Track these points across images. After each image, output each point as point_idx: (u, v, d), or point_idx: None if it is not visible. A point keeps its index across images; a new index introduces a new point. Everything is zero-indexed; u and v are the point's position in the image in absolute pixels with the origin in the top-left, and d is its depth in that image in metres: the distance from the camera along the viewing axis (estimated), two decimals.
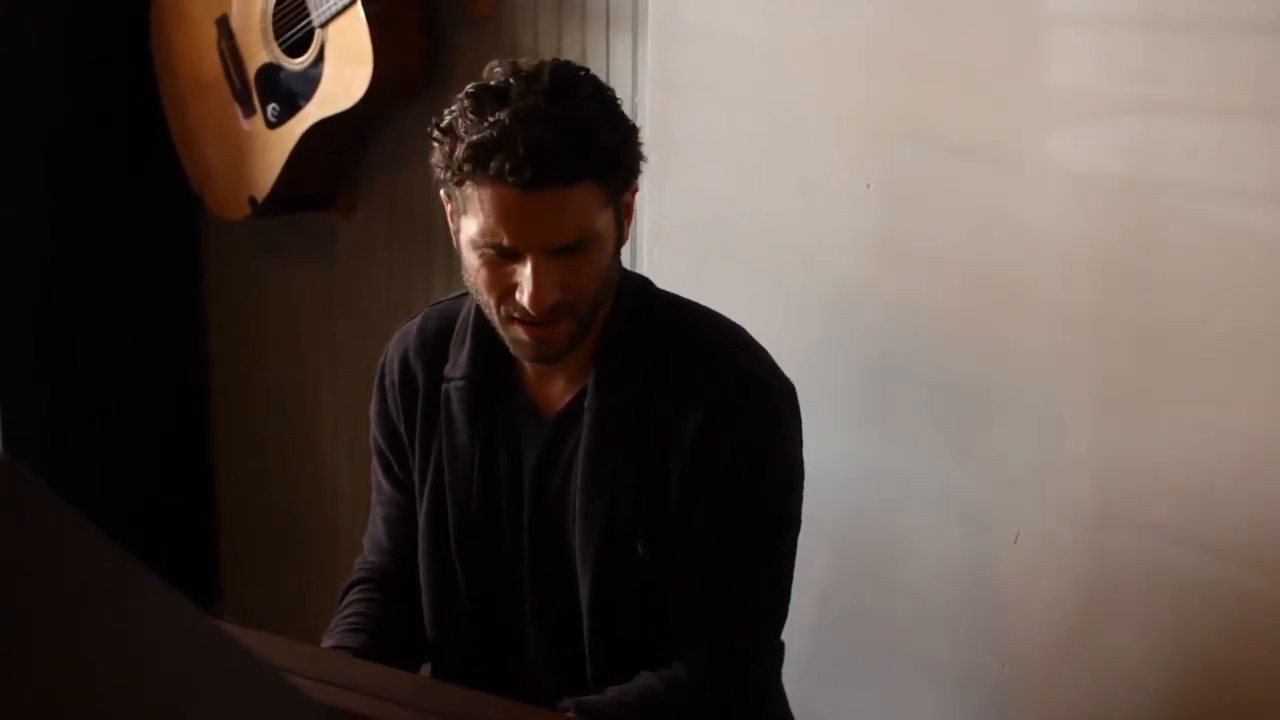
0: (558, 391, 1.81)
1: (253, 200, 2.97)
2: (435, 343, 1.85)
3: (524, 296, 1.64)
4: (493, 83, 1.63)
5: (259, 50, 2.88)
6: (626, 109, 2.52)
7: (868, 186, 2.19)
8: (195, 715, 0.77)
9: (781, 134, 2.29)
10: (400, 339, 1.91)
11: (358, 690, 1.47)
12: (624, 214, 1.72)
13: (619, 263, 1.74)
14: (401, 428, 1.89)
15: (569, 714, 1.64)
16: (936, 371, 2.17)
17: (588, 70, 1.70)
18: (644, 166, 1.74)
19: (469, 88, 1.65)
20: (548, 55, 2.64)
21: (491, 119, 1.58)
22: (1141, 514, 2.01)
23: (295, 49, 2.81)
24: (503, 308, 1.68)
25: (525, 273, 1.64)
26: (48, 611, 0.72)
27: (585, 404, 1.77)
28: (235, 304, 3.35)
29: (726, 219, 2.30)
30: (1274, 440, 1.89)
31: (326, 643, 1.84)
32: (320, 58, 2.75)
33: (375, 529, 1.98)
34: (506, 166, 1.57)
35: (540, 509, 1.81)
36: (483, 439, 1.83)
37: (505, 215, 1.60)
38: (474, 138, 1.59)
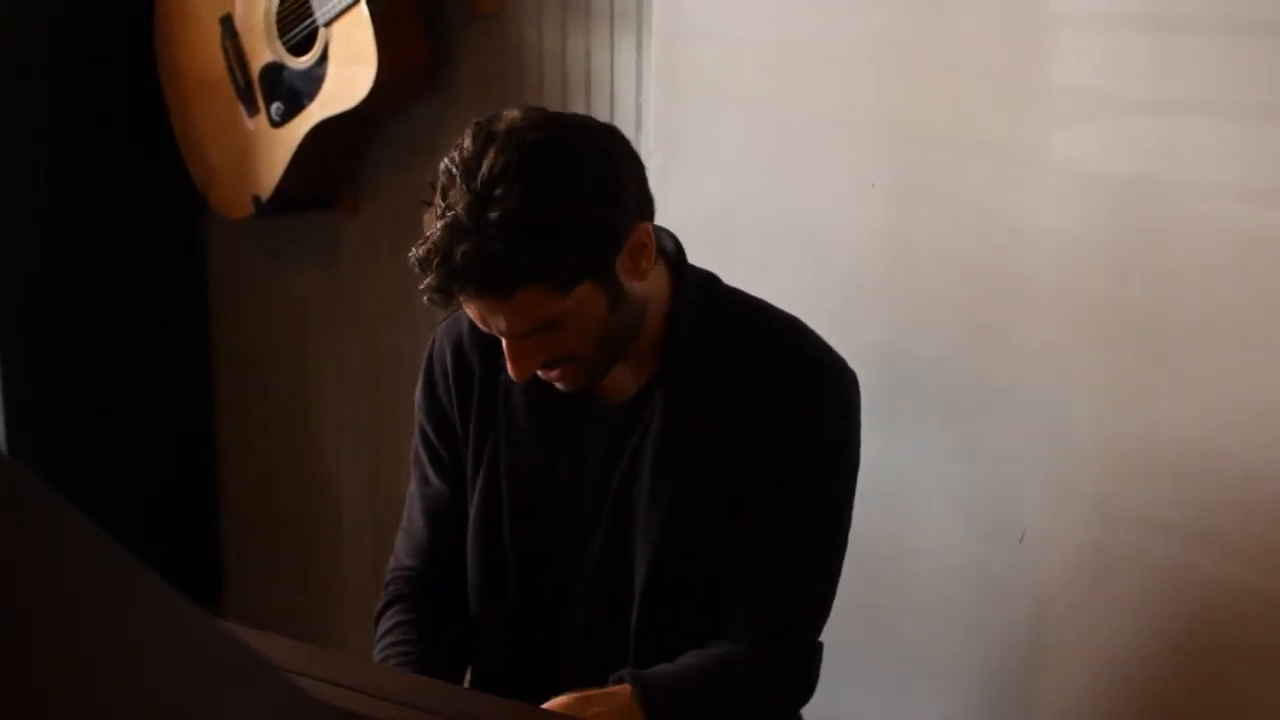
0: (624, 381, 1.82)
1: (257, 199, 2.97)
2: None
3: (509, 370, 1.70)
4: (443, 174, 1.63)
5: (263, 49, 2.88)
6: (629, 112, 2.54)
7: (873, 186, 2.19)
8: (198, 715, 0.77)
9: (787, 134, 2.29)
10: (450, 328, 1.90)
11: (361, 691, 1.47)
12: (623, 262, 1.69)
13: (629, 303, 1.71)
14: (455, 418, 1.88)
15: (624, 683, 1.65)
16: (943, 369, 2.17)
17: (566, 141, 1.65)
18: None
19: (441, 167, 1.65)
20: (551, 55, 2.66)
21: (431, 230, 1.61)
22: (1148, 512, 2.01)
23: (299, 48, 2.81)
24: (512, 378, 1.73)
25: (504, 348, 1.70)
26: (49, 612, 0.72)
27: (655, 393, 1.78)
28: (239, 303, 3.35)
29: (731, 219, 2.29)
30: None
31: None
32: (324, 57, 2.75)
33: (413, 527, 1.95)
34: (436, 284, 1.60)
35: (602, 497, 1.82)
36: (545, 428, 1.83)
37: (472, 311, 1.66)
38: (418, 251, 1.62)
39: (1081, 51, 2.00)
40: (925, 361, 2.19)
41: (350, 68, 2.70)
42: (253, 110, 2.93)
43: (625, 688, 1.65)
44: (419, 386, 1.91)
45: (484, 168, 1.59)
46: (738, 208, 2.33)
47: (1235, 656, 1.97)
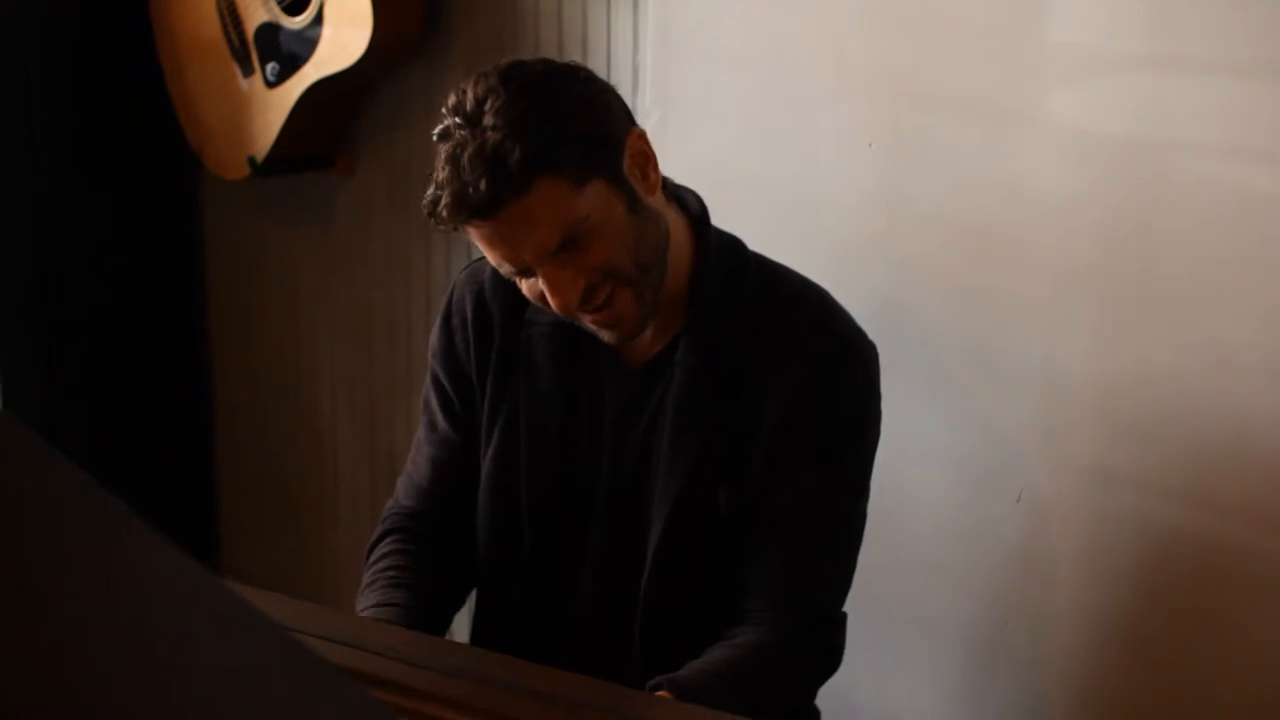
0: (645, 341, 1.82)
1: (252, 160, 2.96)
2: (513, 285, 1.80)
3: (554, 304, 1.69)
4: (439, 132, 1.67)
5: (258, 10, 2.87)
6: (626, 71, 2.53)
7: (869, 145, 2.19)
8: (197, 668, 0.77)
9: (783, 94, 2.28)
10: (471, 278, 1.90)
11: (359, 647, 1.47)
12: (631, 169, 1.71)
13: (650, 214, 1.73)
14: (472, 368, 1.88)
15: (662, 691, 1.62)
16: (939, 330, 2.17)
17: (536, 65, 1.70)
18: (636, 117, 1.75)
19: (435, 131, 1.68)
20: (547, 18, 2.65)
21: (435, 174, 1.65)
22: (1143, 473, 2.01)
23: (294, 8, 2.80)
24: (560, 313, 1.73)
25: (541, 284, 1.69)
26: (43, 564, 0.72)
27: (677, 355, 1.79)
28: (234, 263, 3.35)
29: (727, 178, 2.29)
30: (1275, 400, 1.89)
31: (367, 599, 1.82)
32: (319, 17, 2.74)
33: (416, 470, 1.95)
34: (447, 212, 1.63)
35: (620, 455, 1.83)
36: (568, 386, 1.84)
37: (489, 245, 1.67)
38: (426, 197, 1.66)
39: (1078, 9, 1.99)
40: (920, 321, 2.19)
41: (345, 28, 2.69)
42: (248, 71, 2.92)
43: (663, 694, 1.63)
44: (435, 333, 1.92)
45: (470, 99, 1.64)
46: (734, 167, 2.32)
47: (1231, 615, 1.98)
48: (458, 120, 1.64)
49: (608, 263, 1.69)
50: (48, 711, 0.65)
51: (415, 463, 1.96)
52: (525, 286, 1.73)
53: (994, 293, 2.12)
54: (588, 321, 1.74)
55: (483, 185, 1.60)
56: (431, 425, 1.94)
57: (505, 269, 1.70)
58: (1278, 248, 1.86)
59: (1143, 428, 2.00)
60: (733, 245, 1.85)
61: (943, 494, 2.21)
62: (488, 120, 1.61)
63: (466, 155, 1.61)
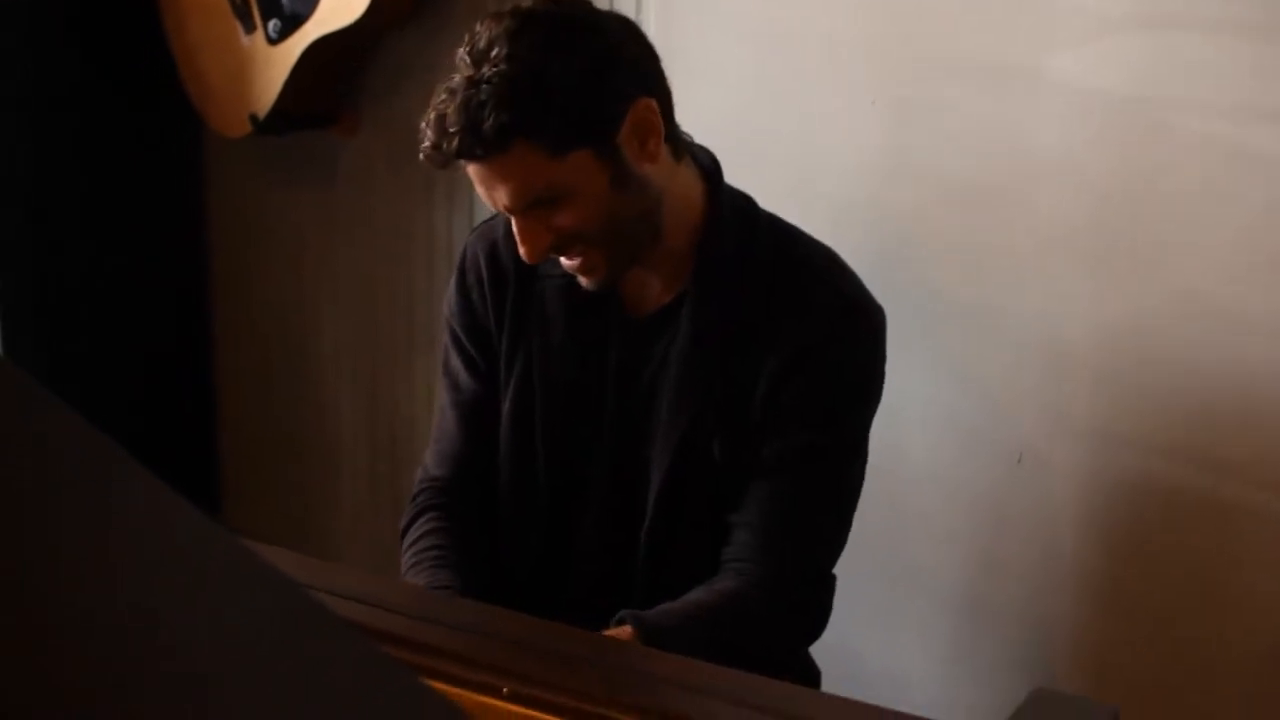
0: (653, 294, 1.84)
1: (254, 117, 2.95)
2: None
3: (520, 252, 1.75)
4: (456, 54, 1.69)
5: None
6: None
7: (872, 104, 2.19)
8: (207, 620, 0.77)
9: (785, 52, 2.28)
10: (483, 235, 1.92)
11: (366, 602, 1.48)
12: (628, 138, 1.71)
13: (638, 183, 1.74)
14: (490, 321, 1.90)
15: (626, 625, 1.65)
16: (937, 288, 2.18)
17: (559, 14, 1.71)
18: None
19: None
20: None
21: (431, 105, 1.69)
22: (1143, 433, 2.02)
23: None
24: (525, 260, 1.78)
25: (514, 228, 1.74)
26: (47, 513, 0.72)
27: (683, 308, 1.80)
28: (237, 222, 3.34)
29: (730, 137, 2.28)
30: (1274, 358, 1.89)
31: (415, 580, 1.82)
32: None
33: (444, 436, 1.96)
34: (423, 154, 1.69)
35: (623, 406, 1.85)
36: (579, 337, 1.86)
37: (476, 182, 1.72)
38: (421, 124, 1.69)
39: None
40: (920, 279, 2.19)
41: None
42: (249, 27, 2.91)
43: (626, 629, 1.65)
44: (450, 294, 1.93)
45: (483, 41, 1.66)
46: (736, 125, 2.32)
47: (1233, 573, 1.99)
48: (466, 58, 1.67)
49: (577, 227, 1.72)
50: (56, 664, 0.65)
51: (441, 428, 1.97)
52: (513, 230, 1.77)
53: (994, 252, 2.12)
54: (563, 264, 1.79)
55: (457, 140, 1.65)
56: (455, 386, 1.94)
57: (489, 205, 1.75)
58: (1271, 201, 1.86)
59: (1143, 387, 2.00)
60: (744, 203, 1.86)
61: (942, 455, 2.21)
62: (485, 71, 1.64)
63: (454, 105, 1.64)
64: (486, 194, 1.71)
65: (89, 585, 0.70)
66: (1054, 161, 2.03)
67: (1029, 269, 2.08)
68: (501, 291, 1.89)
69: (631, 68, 1.73)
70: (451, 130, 1.64)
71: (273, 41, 2.86)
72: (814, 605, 1.85)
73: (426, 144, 1.68)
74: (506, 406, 1.89)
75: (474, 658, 1.40)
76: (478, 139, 1.64)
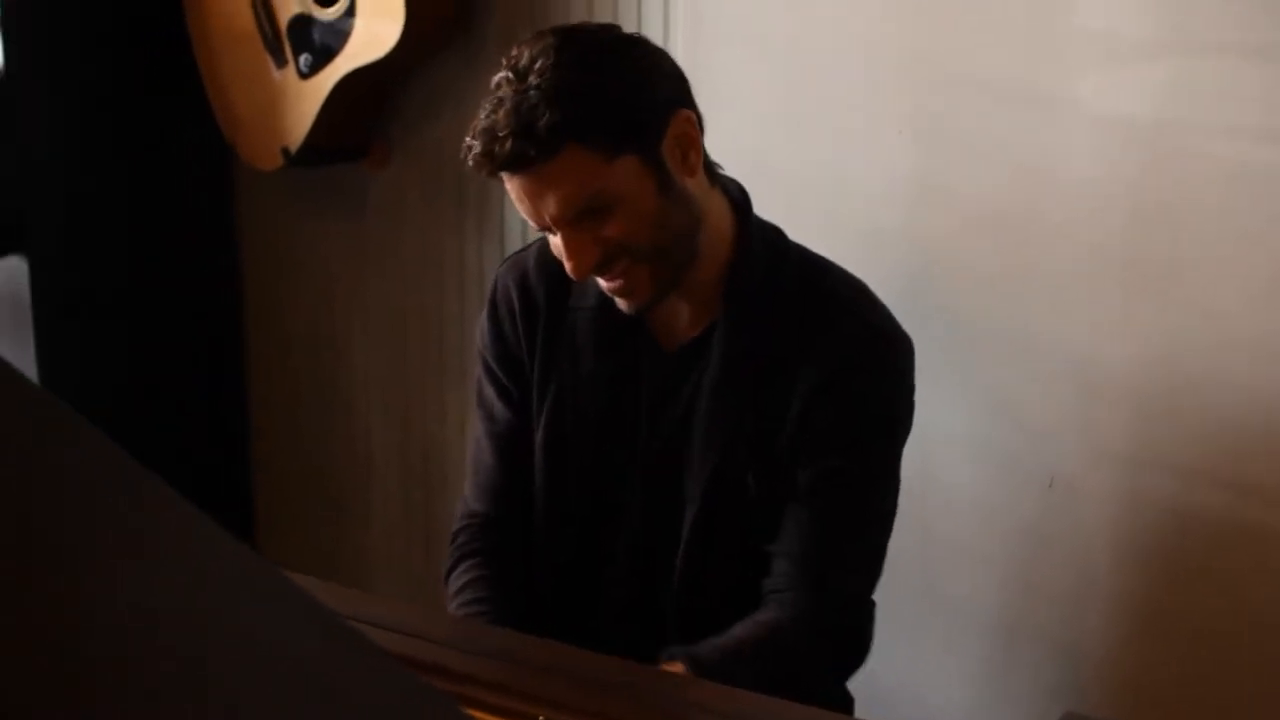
0: (682, 325, 1.85)
1: (285, 151, 2.97)
2: (557, 270, 1.82)
3: (567, 267, 1.73)
4: (495, 78, 1.70)
5: (290, 1, 2.88)
6: None
7: (899, 132, 2.19)
8: (240, 644, 0.77)
9: (812, 79, 2.29)
10: (514, 266, 1.93)
11: (402, 632, 1.49)
12: (670, 149, 1.73)
13: (682, 196, 1.75)
14: (523, 351, 1.90)
15: (677, 663, 1.65)
16: (967, 316, 2.18)
17: (597, 31, 1.75)
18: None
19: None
20: (579, 5, 2.66)
21: (476, 119, 1.69)
22: (1175, 457, 2.01)
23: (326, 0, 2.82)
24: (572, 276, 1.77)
25: (559, 244, 1.73)
26: (86, 542, 0.72)
27: (714, 340, 1.81)
28: (268, 254, 3.36)
29: (758, 164, 2.29)
30: None
31: None
32: (352, 8, 2.76)
33: (481, 469, 1.96)
34: (474, 161, 1.68)
35: (655, 437, 1.85)
36: (610, 367, 1.86)
37: (517, 198, 1.71)
38: (465, 141, 1.69)
39: None
40: (949, 305, 2.19)
41: (378, 20, 2.71)
42: (281, 62, 2.94)
43: (678, 666, 1.66)
44: (482, 326, 1.94)
45: (525, 56, 1.67)
46: (764, 152, 2.33)
47: (1266, 595, 1.98)
48: (508, 75, 1.68)
49: (626, 238, 1.71)
50: (93, 686, 0.66)
51: (479, 461, 1.97)
52: (551, 242, 1.77)
53: (1024, 277, 2.12)
54: (604, 285, 1.78)
55: (509, 144, 1.64)
56: (490, 418, 1.95)
57: (531, 222, 1.74)
58: None
59: (1174, 412, 2.00)
60: (774, 234, 1.87)
61: (973, 479, 2.21)
62: (532, 79, 1.65)
63: (503, 110, 1.65)
64: (532, 208, 1.70)
65: (128, 618, 0.71)
66: (1082, 186, 2.03)
67: (1059, 294, 2.08)
68: (533, 322, 1.89)
69: (671, 82, 1.76)
70: (502, 134, 1.64)
71: (304, 75, 2.88)
72: (856, 631, 1.85)
73: (476, 152, 1.67)
74: (539, 436, 1.90)
75: (508, 685, 1.41)
76: (531, 141, 1.64)
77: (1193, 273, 1.96)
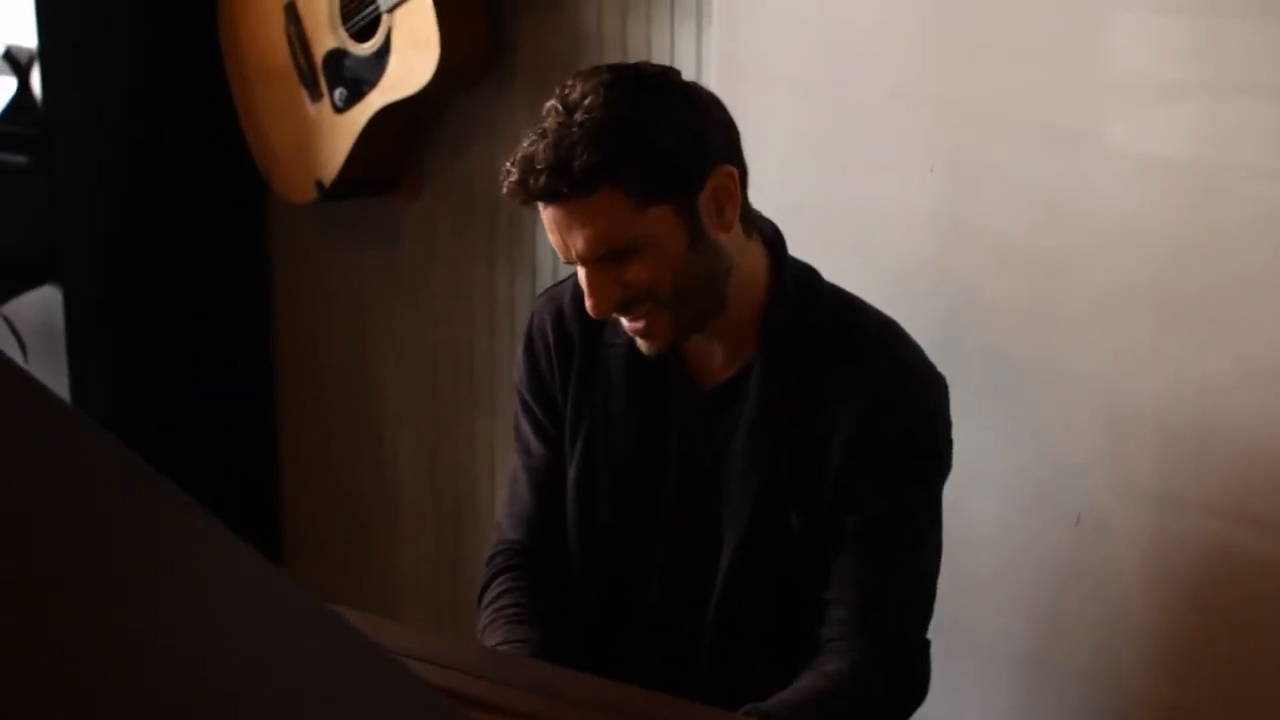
0: (717, 366, 1.85)
1: (320, 184, 3.00)
2: None
3: (587, 304, 1.74)
4: (546, 105, 1.71)
5: (326, 35, 2.91)
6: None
7: (931, 170, 2.20)
8: (280, 669, 0.78)
9: (845, 118, 2.30)
10: (550, 301, 1.94)
11: (434, 662, 1.50)
12: (707, 204, 1.73)
13: (712, 249, 1.75)
14: (557, 387, 1.91)
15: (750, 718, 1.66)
16: (998, 352, 2.18)
17: (653, 74, 1.75)
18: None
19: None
20: (611, 43, 2.68)
21: (519, 146, 1.69)
22: (1203, 495, 2.01)
23: (362, 34, 2.84)
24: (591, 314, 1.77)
25: (583, 279, 1.74)
26: (122, 563, 0.72)
27: (750, 381, 1.81)
28: (301, 286, 3.38)
29: (789, 203, 2.31)
30: None
31: (492, 637, 1.84)
32: (387, 43, 2.78)
33: (517, 501, 1.97)
34: (508, 188, 1.69)
35: (690, 478, 1.86)
36: (643, 407, 1.87)
37: (550, 229, 1.72)
38: (505, 164, 1.70)
39: (1136, 35, 2.01)
40: (980, 342, 2.20)
41: (413, 54, 2.73)
42: (316, 96, 2.96)
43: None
44: (519, 361, 1.95)
45: (577, 91, 1.68)
46: (796, 192, 2.34)
47: None
48: (557, 106, 1.68)
49: (649, 283, 1.72)
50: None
51: (515, 493, 1.98)
52: (578, 274, 1.77)
53: (1054, 314, 2.12)
54: (625, 325, 1.78)
55: (544, 178, 1.65)
56: (526, 452, 1.96)
57: (559, 253, 1.75)
58: None
59: (1204, 448, 2.00)
60: (807, 275, 1.87)
61: (1002, 515, 2.22)
62: (579, 116, 1.65)
63: (544, 143, 1.65)
64: (561, 241, 1.71)
65: (158, 637, 0.71)
66: (1113, 224, 2.04)
67: (1090, 331, 2.09)
68: (567, 358, 1.90)
69: (719, 134, 1.76)
70: (539, 167, 1.65)
71: (339, 110, 2.91)
72: (916, 672, 1.86)
73: (512, 179, 1.68)
74: (571, 474, 1.90)
75: (542, 717, 1.41)
76: (566, 178, 1.64)
77: (1223, 311, 1.96)
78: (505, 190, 1.69)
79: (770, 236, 1.86)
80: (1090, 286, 2.08)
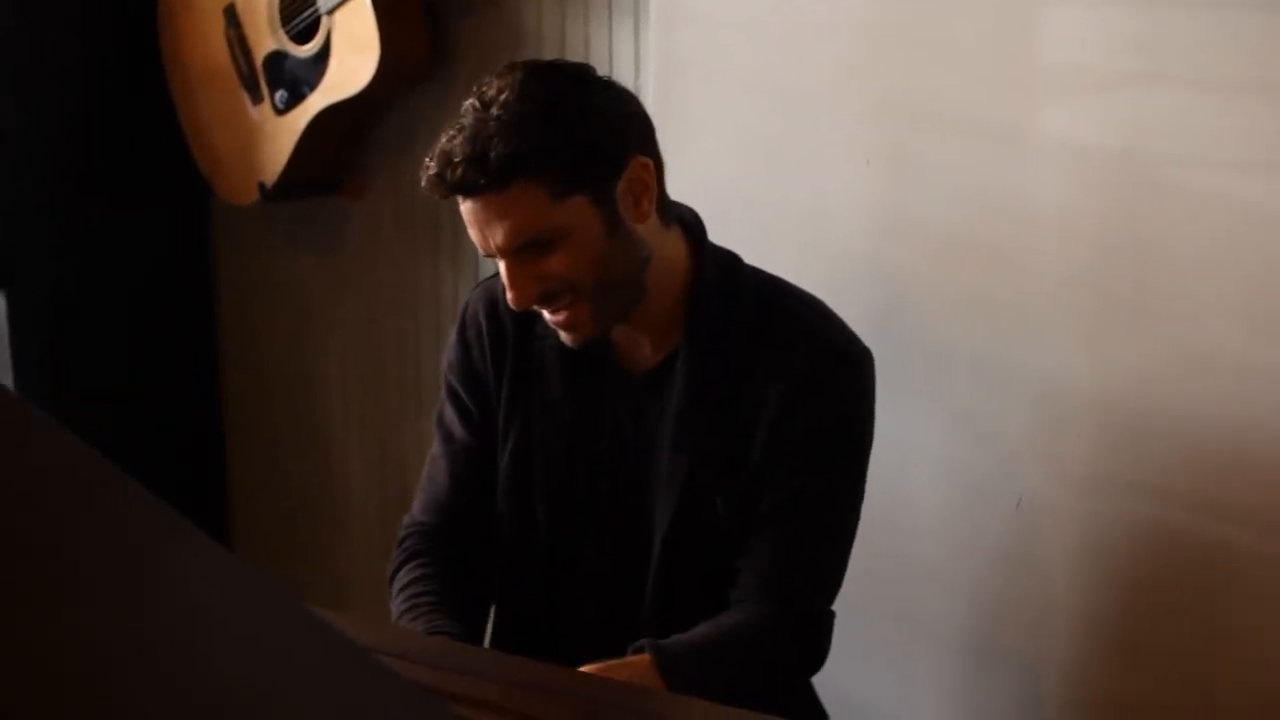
0: (646, 353, 1.88)
1: (262, 186, 3.00)
2: None
3: (508, 298, 1.76)
4: (464, 104, 1.73)
5: (266, 38, 2.92)
6: None
7: (867, 163, 2.23)
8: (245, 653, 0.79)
9: (784, 114, 2.32)
10: (485, 293, 1.95)
11: (384, 652, 1.51)
12: (624, 194, 1.76)
13: (630, 239, 1.78)
14: (490, 376, 1.93)
15: (644, 653, 1.70)
16: (937, 341, 2.21)
17: (568, 67, 1.78)
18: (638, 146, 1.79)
19: None
20: (550, 42, 2.70)
21: (436, 141, 1.72)
22: (1140, 477, 2.04)
23: (302, 36, 2.85)
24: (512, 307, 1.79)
25: (503, 272, 1.75)
26: (95, 565, 0.73)
27: (676, 366, 1.83)
28: (245, 288, 3.39)
29: (729, 198, 2.33)
30: (1271, 407, 1.93)
31: (412, 625, 1.85)
32: (327, 45, 2.79)
33: (434, 485, 1.99)
34: (427, 182, 1.71)
35: (622, 465, 1.88)
36: (576, 396, 1.89)
37: (469, 223, 1.73)
38: (426, 158, 1.72)
39: (1070, 28, 2.02)
40: (919, 332, 2.22)
41: (352, 55, 2.74)
42: (257, 98, 2.97)
43: (644, 656, 1.70)
44: (450, 349, 1.96)
45: (494, 86, 1.71)
46: (735, 186, 2.36)
47: (1231, 618, 2.00)
48: (475, 103, 1.71)
49: (568, 275, 1.74)
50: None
51: (432, 478, 2.00)
52: (499, 268, 1.78)
53: (991, 303, 2.15)
54: (547, 318, 1.81)
55: (460, 171, 1.67)
56: (448, 438, 1.97)
57: (479, 248, 1.76)
58: (1266, 256, 1.90)
59: (1139, 433, 2.03)
60: (729, 260, 1.89)
61: (942, 500, 2.24)
62: (494, 110, 1.68)
63: (461, 136, 1.68)
64: (480, 235, 1.73)
65: (140, 648, 0.72)
66: (1050, 215, 2.06)
67: (1028, 321, 2.11)
68: (500, 349, 1.92)
69: (634, 125, 1.78)
70: (456, 160, 1.67)
71: (280, 112, 2.92)
72: (814, 640, 1.88)
73: (430, 173, 1.70)
74: (505, 464, 1.92)
75: (496, 703, 1.43)
76: (482, 170, 1.67)
77: (1159, 300, 1.98)
78: (424, 184, 1.72)
79: (690, 222, 1.89)
80: (1028, 276, 2.10)
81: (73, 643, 0.68)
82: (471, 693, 1.45)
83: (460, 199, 1.72)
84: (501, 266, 1.76)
